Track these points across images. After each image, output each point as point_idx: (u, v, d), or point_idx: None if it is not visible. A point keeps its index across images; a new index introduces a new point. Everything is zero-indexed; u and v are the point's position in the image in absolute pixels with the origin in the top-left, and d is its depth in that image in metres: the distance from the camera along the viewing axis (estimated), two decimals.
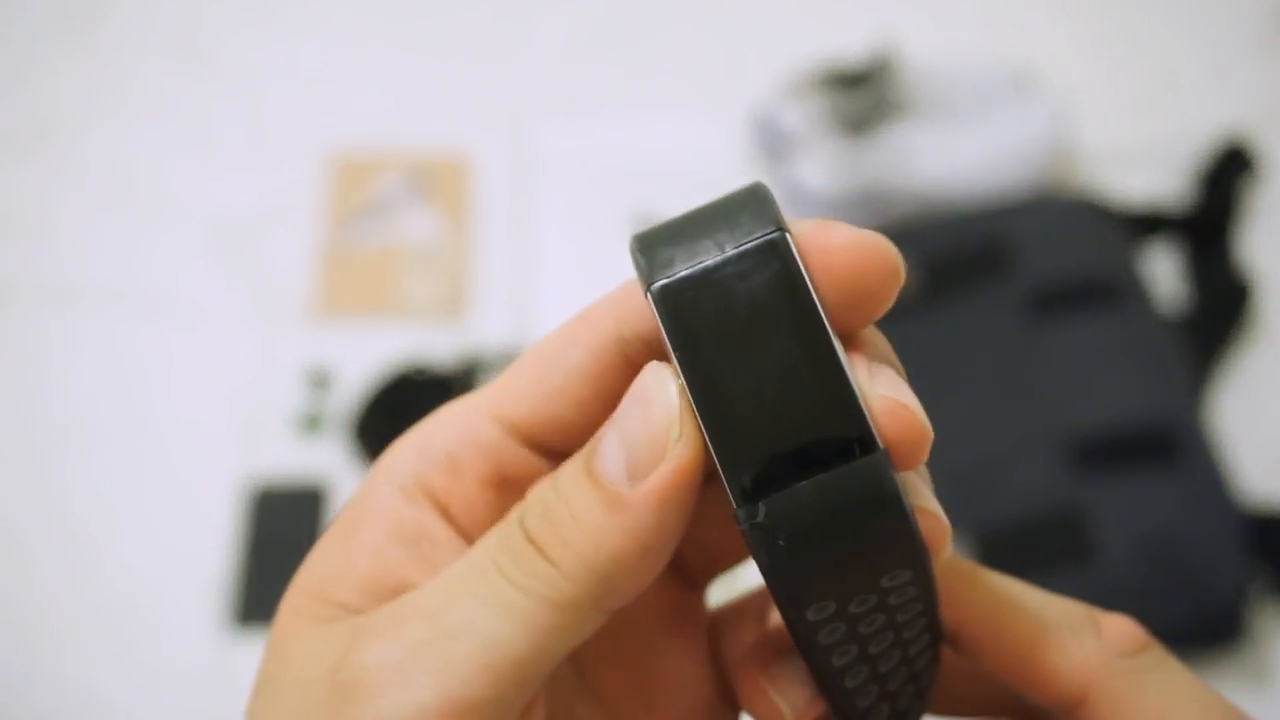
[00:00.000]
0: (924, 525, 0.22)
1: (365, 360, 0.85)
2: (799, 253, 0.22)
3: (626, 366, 0.25)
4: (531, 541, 0.22)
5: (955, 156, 0.88)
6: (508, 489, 0.26)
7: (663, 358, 0.23)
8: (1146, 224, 0.89)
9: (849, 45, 0.95)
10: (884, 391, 0.22)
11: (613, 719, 0.28)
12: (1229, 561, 0.72)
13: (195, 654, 0.75)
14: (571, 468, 0.23)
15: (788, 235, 0.22)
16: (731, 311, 0.22)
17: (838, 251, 0.22)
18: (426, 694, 0.22)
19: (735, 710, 0.29)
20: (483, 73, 1.01)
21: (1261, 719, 0.26)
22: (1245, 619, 0.72)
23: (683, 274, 0.22)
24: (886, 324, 0.24)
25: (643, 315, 0.24)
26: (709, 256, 0.22)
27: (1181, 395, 0.78)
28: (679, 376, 0.22)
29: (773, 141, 0.92)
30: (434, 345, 0.86)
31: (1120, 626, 0.27)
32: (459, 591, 0.23)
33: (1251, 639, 0.73)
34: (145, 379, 0.86)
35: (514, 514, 0.23)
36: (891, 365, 0.23)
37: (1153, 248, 0.90)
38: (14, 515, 0.80)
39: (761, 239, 0.22)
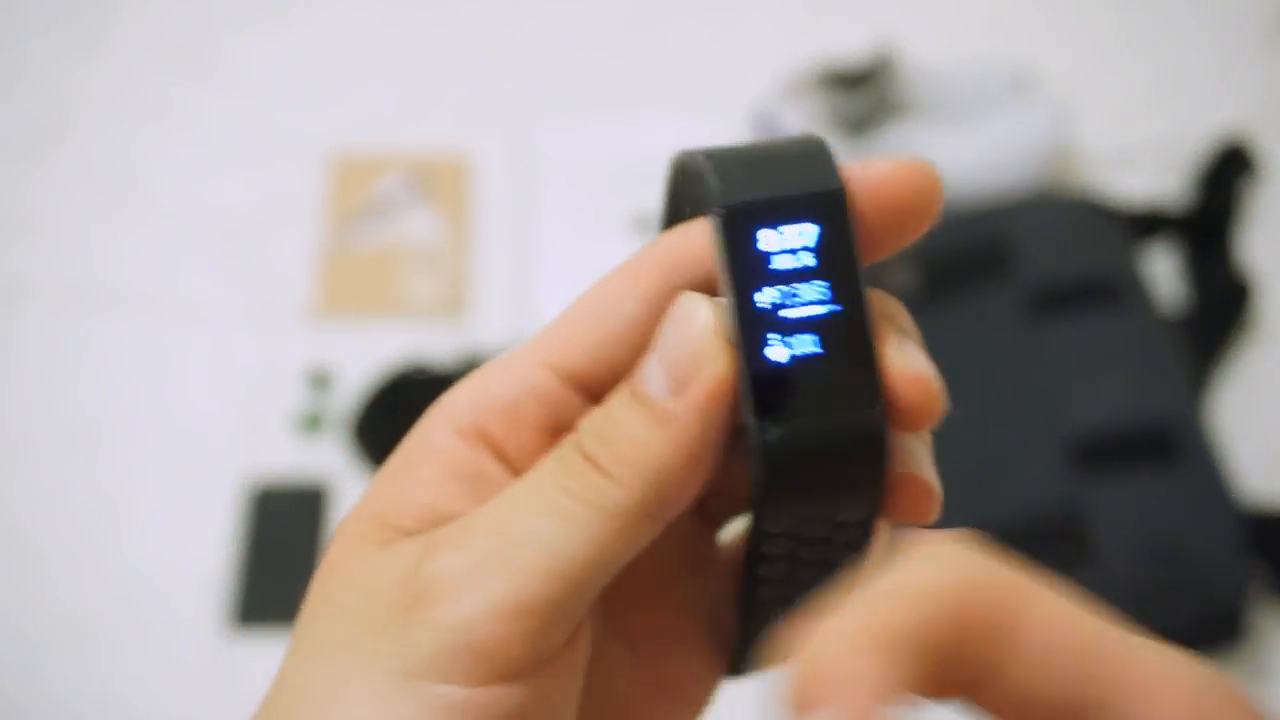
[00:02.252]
0: (910, 489, 0.25)
1: (365, 360, 0.85)
2: (851, 211, 0.24)
3: None
4: (587, 459, 0.24)
5: (955, 156, 0.88)
6: (563, 436, 0.27)
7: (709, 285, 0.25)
8: (1146, 224, 0.89)
9: (849, 45, 0.95)
10: (909, 361, 0.24)
11: (639, 659, 0.29)
12: (1229, 561, 0.72)
13: (195, 654, 0.75)
14: (619, 393, 0.25)
15: (846, 195, 0.24)
16: (786, 250, 0.24)
17: (881, 180, 0.24)
18: (495, 595, 0.24)
19: None
20: (483, 73, 1.01)
21: None
22: (1245, 619, 0.72)
23: (749, 201, 0.24)
24: None
25: (689, 265, 0.26)
26: (775, 193, 0.24)
27: (1181, 395, 0.78)
28: (725, 294, 0.24)
29: None
30: (434, 345, 0.86)
31: None
32: (522, 506, 0.24)
33: (1251, 639, 0.73)
34: (145, 379, 0.86)
35: (568, 439, 0.25)
36: (915, 340, 0.25)
37: (1153, 248, 0.90)
38: (15, 515, 0.80)
39: (825, 190, 0.24)
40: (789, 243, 0.24)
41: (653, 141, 0.96)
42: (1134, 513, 0.73)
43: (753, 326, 0.24)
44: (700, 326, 0.24)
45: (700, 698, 0.30)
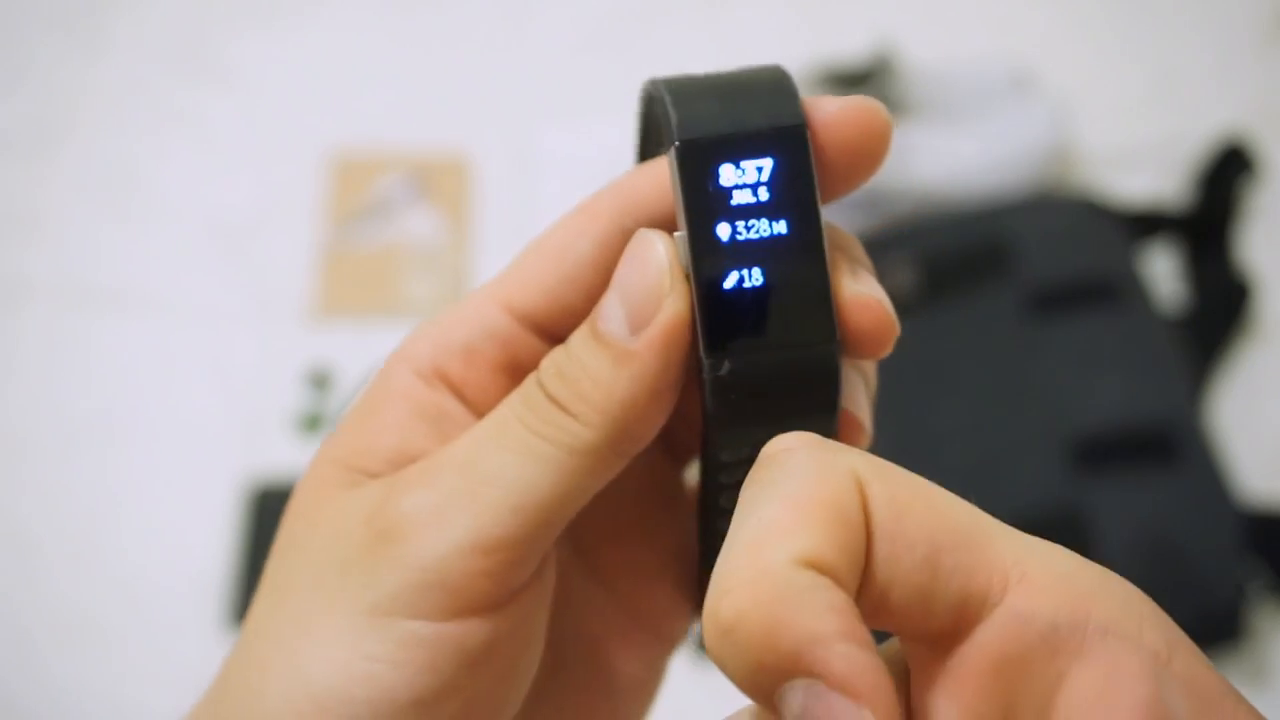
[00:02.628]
0: (847, 427, 0.25)
1: (365, 360, 0.85)
2: (811, 147, 0.24)
3: None
4: (551, 399, 0.25)
5: (955, 156, 0.88)
6: (520, 375, 0.27)
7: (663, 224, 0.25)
8: (1146, 224, 0.89)
9: (849, 45, 0.95)
10: (862, 288, 0.24)
11: (612, 596, 0.30)
12: (1229, 561, 0.72)
13: (195, 654, 0.75)
14: (580, 333, 0.25)
15: (807, 131, 0.24)
16: (744, 185, 0.24)
17: (837, 120, 0.24)
18: (462, 533, 0.24)
19: None
20: (483, 73, 1.01)
21: None
22: (1245, 619, 0.72)
23: (708, 136, 0.24)
24: None
25: (644, 206, 0.26)
26: (735, 127, 0.24)
27: (1181, 395, 0.78)
28: (682, 229, 0.24)
29: None
30: None
31: None
32: (488, 445, 0.25)
33: (1251, 639, 0.73)
34: (146, 378, 0.86)
35: (531, 379, 0.25)
36: (869, 269, 0.25)
37: (1153, 248, 0.90)
38: (15, 514, 0.80)
39: (787, 125, 0.24)
40: (748, 178, 0.24)
41: None
42: (1134, 513, 0.73)
43: (709, 261, 0.23)
44: (658, 263, 0.24)
45: (673, 634, 0.30)
